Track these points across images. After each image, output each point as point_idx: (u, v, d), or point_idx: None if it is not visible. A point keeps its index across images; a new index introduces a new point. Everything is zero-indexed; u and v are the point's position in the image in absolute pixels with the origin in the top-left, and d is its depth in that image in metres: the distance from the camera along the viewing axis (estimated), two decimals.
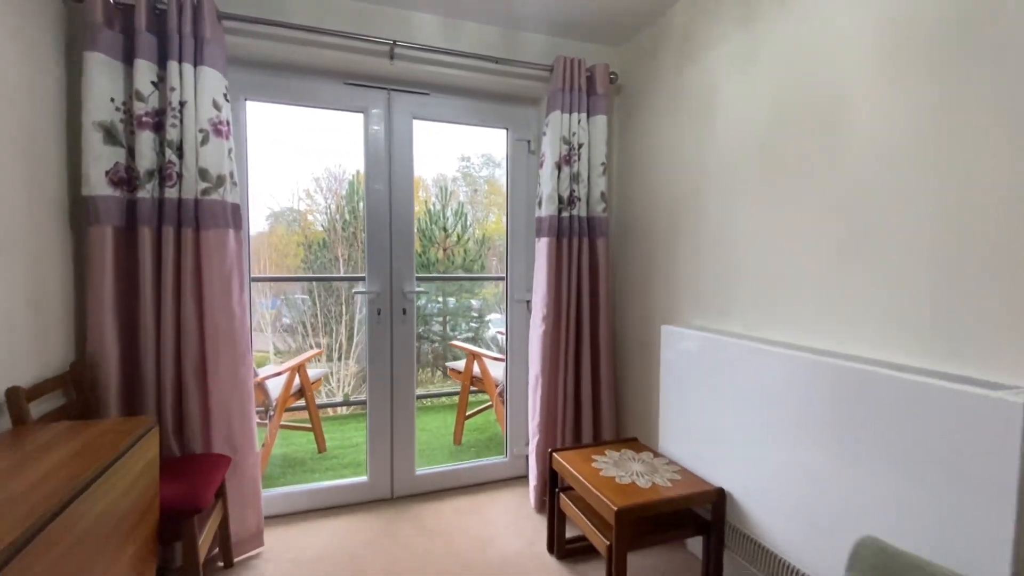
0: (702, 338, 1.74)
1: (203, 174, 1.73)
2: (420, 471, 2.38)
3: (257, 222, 6.46)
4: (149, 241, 1.70)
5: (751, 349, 1.53)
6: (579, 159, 2.21)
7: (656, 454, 1.89)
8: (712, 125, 1.86)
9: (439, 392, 4.40)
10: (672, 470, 1.74)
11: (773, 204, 1.60)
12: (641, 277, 2.27)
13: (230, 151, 1.81)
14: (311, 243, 6.33)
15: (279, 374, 2.57)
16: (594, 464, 1.77)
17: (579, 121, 2.20)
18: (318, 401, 3.40)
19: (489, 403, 3.21)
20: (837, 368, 1.26)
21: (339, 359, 5.66)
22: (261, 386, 2.56)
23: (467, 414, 3.11)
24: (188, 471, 1.62)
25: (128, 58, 1.68)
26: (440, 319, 6.36)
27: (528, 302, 2.51)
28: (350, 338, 5.67)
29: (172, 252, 1.72)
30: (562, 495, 1.83)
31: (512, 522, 2.13)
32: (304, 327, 5.71)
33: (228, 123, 1.80)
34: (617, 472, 1.70)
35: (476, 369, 3.03)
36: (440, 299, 6.35)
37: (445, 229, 6.42)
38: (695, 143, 1.95)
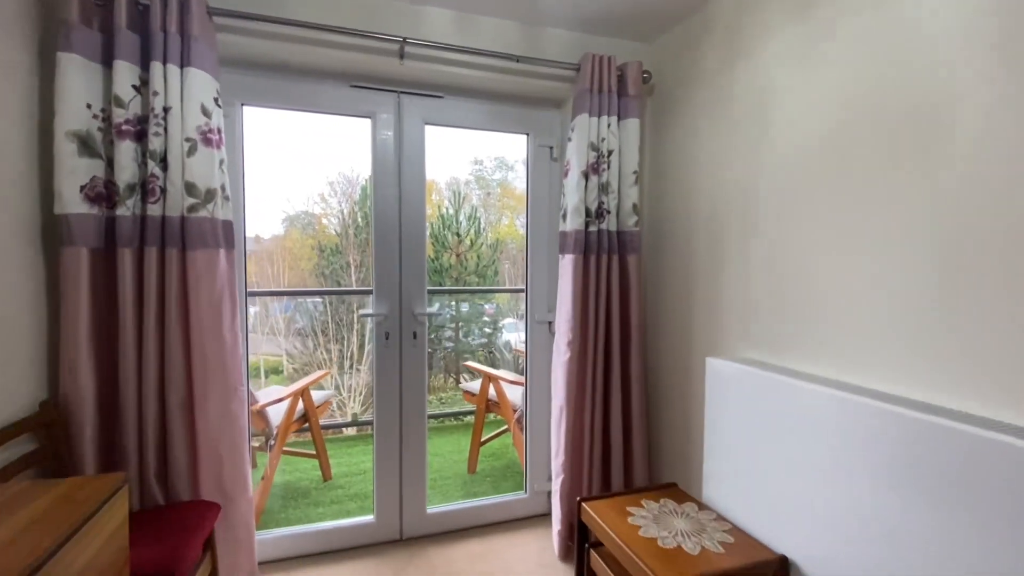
0: (758, 376, 1.50)
1: (190, 188, 1.54)
2: (431, 509, 2.16)
3: (273, 226, 6.40)
4: (129, 264, 1.51)
5: (823, 395, 1.29)
6: (608, 167, 1.98)
7: (701, 506, 1.65)
8: (765, 128, 1.63)
9: (451, 412, 4.19)
10: (722, 529, 1.50)
11: (846, 219, 1.36)
12: (678, 301, 2.04)
13: (222, 162, 1.62)
14: (324, 248, 6.21)
15: (280, 400, 2.38)
16: (631, 519, 1.54)
17: (609, 125, 1.97)
18: (324, 421, 3.21)
19: (505, 427, 2.99)
20: (944, 430, 1.02)
21: (350, 367, 5.51)
22: (261, 414, 2.37)
23: (482, 440, 2.89)
24: (170, 525, 1.43)
25: (107, 59, 1.50)
26: (453, 325, 6.20)
27: (550, 323, 2.28)
28: (361, 346, 5.53)
29: (155, 276, 1.53)
30: (593, 552, 1.61)
31: (533, 572, 1.90)
32: (315, 333, 5.59)
33: (219, 131, 1.62)
34: (659, 532, 1.47)
35: (492, 391, 2.81)
36: (453, 304, 6.20)
37: (458, 234, 6.28)
38: (744, 149, 1.71)
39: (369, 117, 2.02)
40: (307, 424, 2.60)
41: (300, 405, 2.54)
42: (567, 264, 1.99)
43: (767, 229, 1.62)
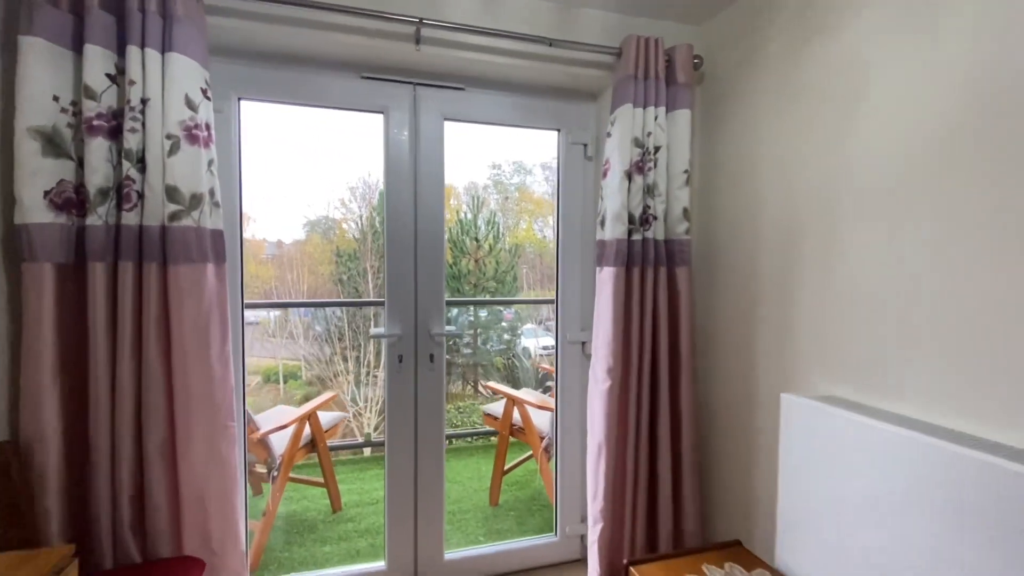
0: (853, 422, 1.21)
1: (171, 193, 1.32)
2: (450, 555, 1.91)
3: (294, 230, 6.35)
4: (102, 282, 1.29)
5: (939, 452, 0.99)
6: (655, 166, 1.71)
7: (774, 572, 1.36)
8: (852, 119, 1.34)
9: (470, 432, 3.94)
10: None
11: (957, 230, 1.07)
12: (738, 323, 1.75)
13: (210, 163, 1.40)
14: (341, 253, 6.09)
15: (284, 427, 2.15)
16: None
17: (656, 117, 1.70)
18: (335, 442, 2.99)
19: (530, 454, 2.72)
20: None
21: (367, 374, 5.33)
22: (263, 443, 2.15)
23: (506, 468, 2.63)
24: None
25: (77, 44, 1.29)
26: (471, 331, 5.99)
27: (584, 344, 2.02)
28: (379, 353, 5.39)
29: (131, 295, 1.31)
30: None
31: None
32: (332, 339, 5.35)
33: (207, 127, 1.39)
34: None
35: (516, 415, 2.55)
36: (471, 309, 6.04)
37: (476, 239, 6.10)
38: (823, 145, 1.43)
39: (381, 112, 1.78)
40: (315, 451, 2.37)
41: (307, 429, 2.32)
42: (606, 278, 1.72)
43: (854, 241, 1.33)
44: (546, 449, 2.37)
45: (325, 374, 5.26)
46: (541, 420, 2.49)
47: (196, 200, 1.35)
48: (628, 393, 1.72)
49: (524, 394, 2.69)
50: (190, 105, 1.34)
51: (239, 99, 1.66)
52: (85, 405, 1.31)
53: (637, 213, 1.70)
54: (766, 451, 1.61)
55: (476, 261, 6.04)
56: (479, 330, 6.07)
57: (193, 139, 1.34)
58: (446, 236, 1.85)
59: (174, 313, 1.34)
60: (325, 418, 2.45)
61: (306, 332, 5.62)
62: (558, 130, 1.99)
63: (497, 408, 2.69)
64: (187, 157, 1.33)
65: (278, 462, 2.16)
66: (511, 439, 2.61)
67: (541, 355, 5.90)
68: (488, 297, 6.14)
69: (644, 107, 1.70)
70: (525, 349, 5.96)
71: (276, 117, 1.70)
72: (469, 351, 5.86)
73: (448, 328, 1.90)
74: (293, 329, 5.61)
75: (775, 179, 1.61)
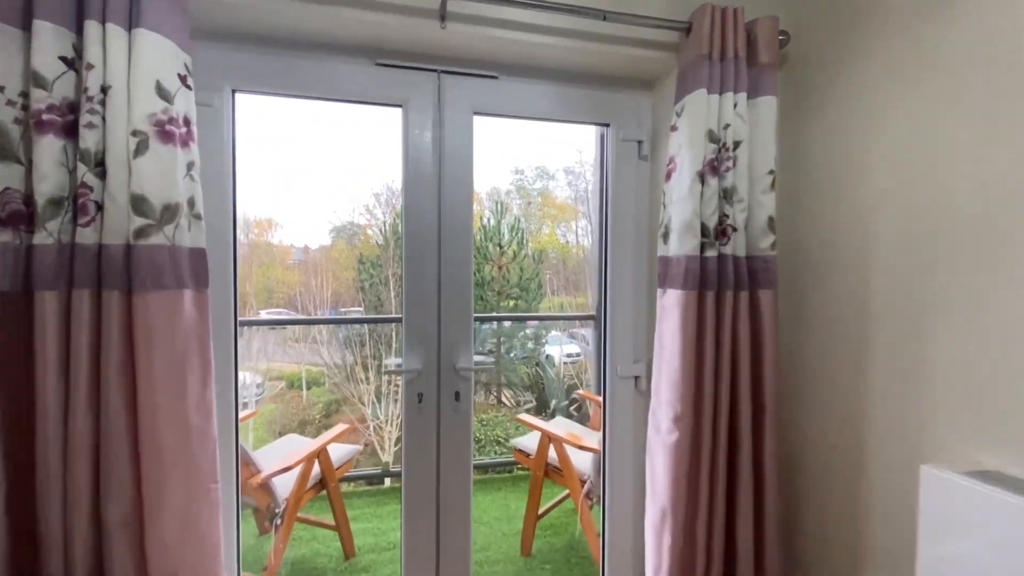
0: None
1: (138, 204, 1.06)
2: None
3: (321, 236, 6.33)
4: (52, 314, 1.04)
5: None
6: (734, 165, 1.38)
7: None
8: (1015, 100, 0.99)
9: (498, 462, 3.63)
10: None
11: None
12: (838, 365, 1.40)
13: (190, 166, 1.14)
14: (364, 260, 5.96)
15: (289, 469, 1.88)
16: None
17: (735, 106, 1.38)
18: (351, 472, 2.72)
19: (566, 494, 2.40)
20: None
21: (388, 382, 5.08)
22: (265, 487, 1.89)
23: (539, 513, 2.31)
24: None
25: (26, 22, 1.04)
26: (494, 340, 5.76)
27: (637, 379, 1.69)
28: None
29: (88, 331, 1.05)
30: None
31: None
32: (352, 345, 5.18)
33: (188, 123, 1.13)
34: None
35: (552, 452, 2.23)
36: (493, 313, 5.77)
37: (500, 245, 5.90)
38: (974, 138, 1.08)
39: (400, 105, 1.51)
40: (325, 490, 2.10)
41: (317, 468, 2.05)
42: (672, 303, 1.40)
43: (1021, 261, 0.98)
44: (587, 495, 2.05)
45: (346, 383, 5.10)
46: (582, 459, 2.16)
47: (170, 212, 1.09)
48: (700, 449, 1.39)
49: (559, 427, 2.37)
50: (163, 94, 1.08)
51: (233, 91, 1.41)
52: (31, 470, 1.05)
53: (712, 223, 1.38)
54: (882, 534, 1.25)
55: (500, 268, 5.84)
56: (502, 338, 5.85)
57: (166, 136, 1.08)
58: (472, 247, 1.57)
59: (141, 353, 1.07)
60: (337, 453, 2.18)
61: (330, 338, 5.49)
62: (606, 125, 1.68)
63: (529, 443, 2.37)
64: (158, 159, 1.07)
65: (282, 507, 1.90)
66: (546, 479, 2.29)
67: (565, 363, 5.67)
68: (512, 304, 5.91)
69: (720, 93, 1.37)
70: (549, 357, 5.73)
71: (293, 115, 1.45)
72: (492, 360, 5.64)
73: (478, 359, 1.61)
74: (317, 334, 5.45)
75: (893, 182, 1.26)
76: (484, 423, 5.10)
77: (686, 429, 1.38)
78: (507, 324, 6.03)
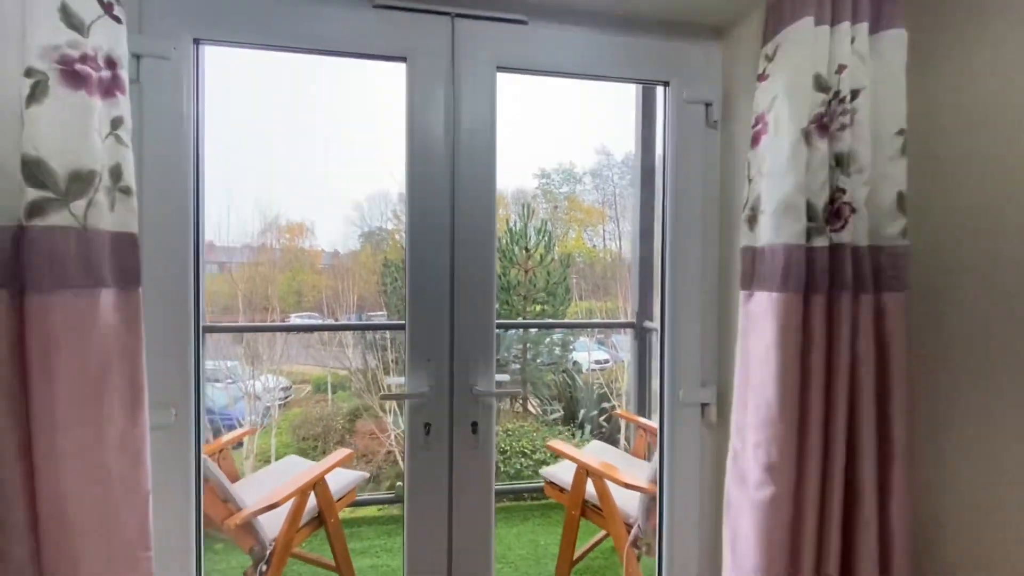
0: None
1: (32, 170, 0.77)
2: None
3: (350, 241, 6.36)
4: None
5: None
6: (851, 122, 1.01)
7: None
8: None
9: (522, 487, 3.28)
10: None
11: None
12: (1004, 395, 1.00)
13: (116, 124, 0.85)
14: (389, 264, 5.91)
15: (275, 506, 1.57)
16: None
17: (853, 40, 1.01)
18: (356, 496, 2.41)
19: (604, 535, 2.02)
20: None
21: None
22: (248, 527, 1.59)
23: (574, 557, 1.94)
24: None
25: None
26: (520, 345, 5.51)
27: (705, 407, 1.32)
28: None
29: None
30: None
31: None
32: (375, 349, 5.02)
33: (113, 65, 0.85)
34: None
35: (590, 487, 1.86)
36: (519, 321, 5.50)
37: (527, 248, 5.68)
38: None
39: (403, 59, 1.19)
40: (323, 527, 1.80)
41: (312, 501, 1.74)
42: (765, 311, 1.03)
43: None
44: (634, 544, 1.68)
45: (367, 391, 4.93)
46: (627, 496, 1.79)
47: (81, 183, 0.80)
48: (804, 510, 1.01)
49: (596, 454, 2.01)
50: (72, 22, 0.79)
51: (196, 41, 1.12)
52: None
53: (821, 201, 1.00)
54: None
55: (526, 272, 5.62)
56: (528, 344, 5.59)
57: (75, 79, 0.79)
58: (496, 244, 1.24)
59: (37, 377, 0.78)
60: (339, 481, 1.87)
61: (356, 341, 5.36)
62: (665, 84, 1.33)
63: (562, 474, 2.00)
64: (62, 108, 0.78)
65: (268, 551, 1.60)
66: (582, 518, 1.92)
67: (593, 370, 5.38)
68: (539, 309, 5.65)
69: (832, 24, 1.00)
70: (576, 364, 5.48)
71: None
72: (517, 366, 5.39)
73: (501, 377, 1.28)
74: (343, 338, 5.34)
75: None
76: (509, 433, 4.81)
77: (785, 483, 1.00)
78: (533, 330, 5.80)
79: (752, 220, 1.08)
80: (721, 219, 1.32)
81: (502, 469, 4.11)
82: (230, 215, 5.15)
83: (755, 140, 1.08)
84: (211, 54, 1.18)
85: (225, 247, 5.30)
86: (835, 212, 1.02)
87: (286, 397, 4.94)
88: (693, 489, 1.34)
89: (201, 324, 1.14)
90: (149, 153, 1.06)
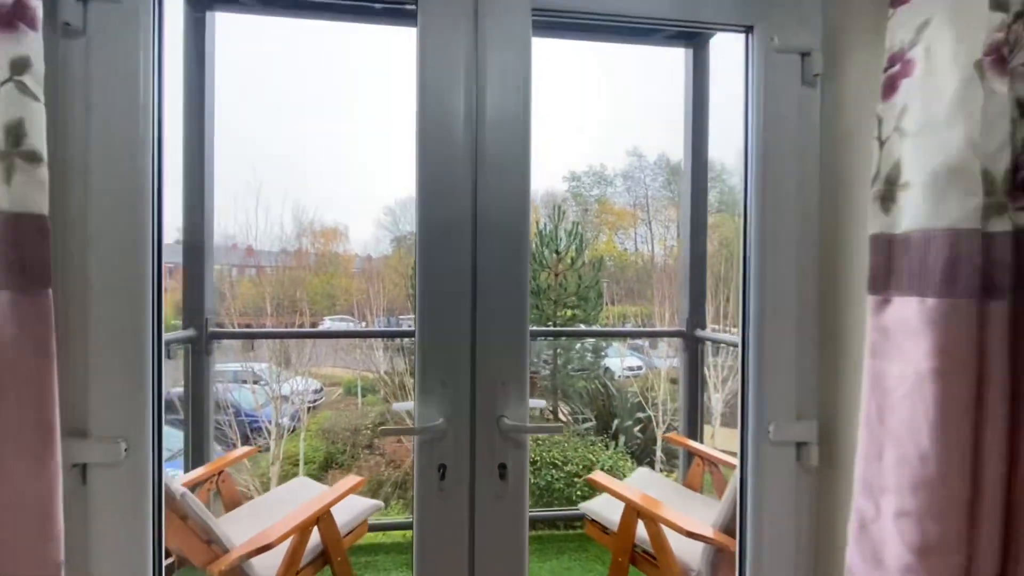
0: None
1: None
2: None
3: (383, 245, 6.47)
4: None
5: None
6: None
7: None
8: None
9: (557, 514, 2.97)
10: None
11: None
12: None
13: (17, 68, 0.62)
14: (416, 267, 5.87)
15: (267, 548, 1.33)
16: None
17: None
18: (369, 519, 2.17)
19: None
20: None
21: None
22: (237, 573, 1.35)
23: None
24: None
25: None
26: (550, 352, 5.27)
27: (801, 447, 1.02)
28: None
29: None
30: None
31: None
32: (403, 353, 4.97)
33: None
34: None
35: (640, 530, 1.56)
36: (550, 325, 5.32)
37: (557, 251, 5.48)
38: None
39: (412, 18, 0.94)
40: (328, 565, 1.55)
41: (315, 537, 1.50)
42: (912, 323, 0.72)
43: None
44: None
45: (392, 396, 4.80)
46: (685, 543, 1.48)
47: None
48: None
49: (642, 485, 1.69)
50: None
51: (206, 9, 0.89)
52: None
53: (1001, 166, 0.69)
54: None
55: (556, 276, 5.40)
56: (558, 350, 5.36)
57: None
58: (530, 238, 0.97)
59: None
60: (349, 513, 1.63)
61: (386, 344, 5.30)
62: (747, 29, 1.04)
63: (607, 512, 1.69)
64: None
65: None
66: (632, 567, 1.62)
67: (626, 376, 5.24)
68: (570, 314, 5.42)
69: None
70: (608, 370, 5.34)
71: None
72: (547, 372, 5.16)
73: (535, 403, 1.06)
74: (373, 341, 5.34)
75: None
76: (538, 443, 4.54)
77: (950, 571, 0.69)
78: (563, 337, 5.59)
79: (887, 197, 0.77)
80: (823, 201, 1.01)
81: (531, 481, 3.83)
82: (258, 216, 5.11)
83: (890, 87, 0.78)
84: (241, 39, 0.96)
85: (265, 251, 5.35)
86: (1021, 183, 0.71)
87: (316, 400, 4.92)
88: (787, 552, 1.03)
89: (162, 336, 0.91)
90: (97, 120, 0.84)
